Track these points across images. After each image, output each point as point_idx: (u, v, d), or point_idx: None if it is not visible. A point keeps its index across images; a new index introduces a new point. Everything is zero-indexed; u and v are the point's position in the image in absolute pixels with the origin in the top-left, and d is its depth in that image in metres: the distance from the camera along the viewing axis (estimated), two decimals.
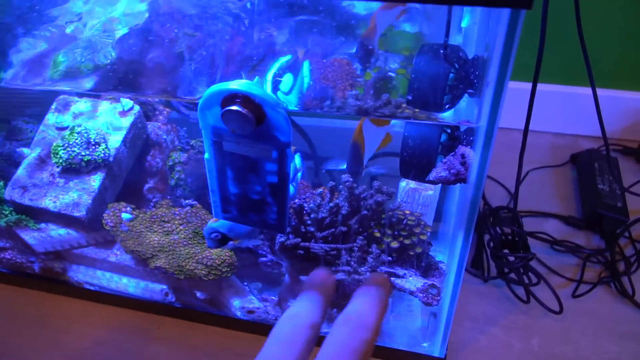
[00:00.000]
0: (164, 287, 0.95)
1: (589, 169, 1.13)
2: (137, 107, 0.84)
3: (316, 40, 0.69)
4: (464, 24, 0.69)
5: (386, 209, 0.79)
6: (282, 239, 0.77)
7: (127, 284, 0.96)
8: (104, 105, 0.84)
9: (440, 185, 0.86)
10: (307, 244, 0.75)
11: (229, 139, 0.59)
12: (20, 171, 0.85)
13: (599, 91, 1.18)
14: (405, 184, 0.85)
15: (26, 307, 1.05)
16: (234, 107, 0.53)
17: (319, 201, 0.77)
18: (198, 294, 0.98)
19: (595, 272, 1.00)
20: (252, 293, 0.95)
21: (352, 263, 0.78)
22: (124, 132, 0.82)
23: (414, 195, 0.85)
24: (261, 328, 0.95)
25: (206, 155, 0.62)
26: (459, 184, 0.61)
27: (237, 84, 0.53)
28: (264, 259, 0.91)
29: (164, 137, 0.88)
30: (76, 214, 0.82)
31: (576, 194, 1.16)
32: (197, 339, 0.96)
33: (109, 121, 0.82)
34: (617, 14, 1.12)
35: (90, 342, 0.98)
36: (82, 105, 0.85)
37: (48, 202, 0.83)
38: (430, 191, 0.84)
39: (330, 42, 0.69)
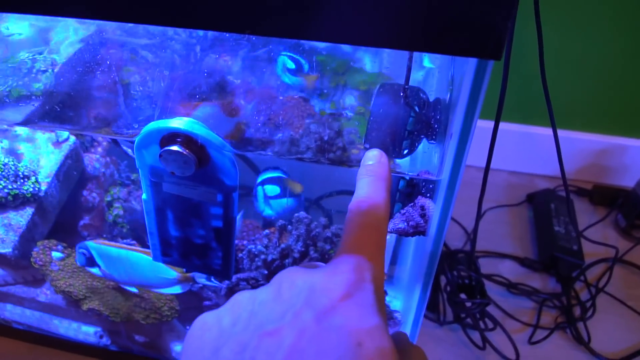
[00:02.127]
0: (98, 329, 0.87)
1: (545, 210, 1.12)
2: (72, 138, 0.77)
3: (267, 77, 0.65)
4: (425, 63, 0.66)
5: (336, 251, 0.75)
6: (227, 284, 0.72)
7: (58, 325, 0.88)
8: (37, 135, 0.77)
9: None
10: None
11: (169, 179, 0.54)
12: None
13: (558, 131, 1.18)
14: None
15: None
16: (174, 147, 0.48)
17: (265, 242, 0.72)
18: (136, 337, 0.91)
19: (552, 317, 0.98)
20: None
21: None
22: (57, 165, 0.75)
23: None
24: None
25: (144, 196, 0.57)
26: None
27: (178, 122, 0.49)
28: (208, 302, 0.86)
29: (102, 170, 0.81)
30: (1, 250, 0.74)
31: (532, 234, 1.15)
32: None
33: (40, 152, 0.75)
34: (575, 54, 1.13)
35: None
36: (11, 134, 0.78)
37: None
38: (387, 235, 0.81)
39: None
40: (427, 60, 0.65)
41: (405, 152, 0.54)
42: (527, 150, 1.26)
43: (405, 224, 0.51)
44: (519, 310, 0.99)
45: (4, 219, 0.75)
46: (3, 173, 0.69)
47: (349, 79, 0.64)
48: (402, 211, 0.52)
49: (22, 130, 0.76)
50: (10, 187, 0.70)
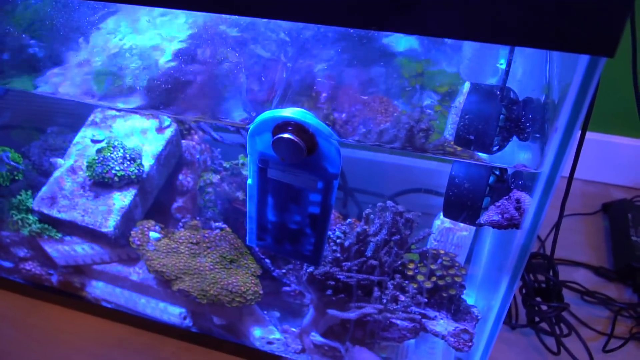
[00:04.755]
0: (183, 310, 0.92)
1: (622, 220, 1.10)
2: (174, 125, 0.83)
3: (355, 74, 0.68)
4: (502, 65, 0.68)
5: (417, 243, 0.77)
6: (311, 269, 0.75)
7: (146, 305, 0.94)
8: (142, 121, 0.83)
9: (473, 229, 0.84)
10: (338, 274, 0.73)
11: (275, 166, 0.58)
12: (51, 182, 0.84)
13: (632, 141, 1.16)
14: (440, 223, 0.83)
15: (39, 321, 1.02)
16: (286, 135, 0.52)
17: (346, 229, 0.75)
18: (216, 320, 0.95)
19: (627, 327, 0.97)
20: (272, 323, 0.93)
21: (384, 299, 0.76)
22: (159, 149, 0.81)
23: (447, 234, 0.83)
24: None
25: (249, 181, 0.61)
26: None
27: (291, 112, 0.52)
28: (287, 288, 0.89)
29: (198, 156, 0.86)
30: (103, 229, 0.80)
31: (607, 244, 1.13)
32: None
33: (144, 137, 0.81)
34: None
35: None
36: (119, 119, 0.84)
37: (76, 215, 0.81)
38: (465, 232, 0.82)
39: (368, 76, 0.68)
40: (504, 62, 0.67)
41: (496, 148, 0.56)
42: (603, 159, 1.24)
43: (500, 216, 0.53)
44: (593, 318, 0.98)
45: (107, 199, 0.81)
46: (112, 155, 0.75)
47: (427, 80, 0.67)
48: (497, 204, 0.53)
49: (130, 117, 0.82)
50: (117, 168, 0.76)
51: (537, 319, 0.90)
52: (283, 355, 0.91)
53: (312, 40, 0.67)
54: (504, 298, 0.62)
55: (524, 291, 0.88)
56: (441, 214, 0.85)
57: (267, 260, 0.86)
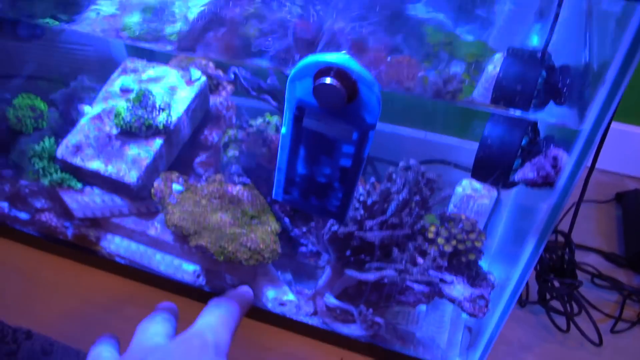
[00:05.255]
0: (197, 268, 0.93)
1: (635, 208, 1.11)
2: (203, 78, 0.83)
3: (382, 38, 0.69)
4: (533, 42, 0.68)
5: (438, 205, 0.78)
6: (335, 228, 0.76)
7: (160, 262, 0.94)
8: (172, 72, 0.83)
9: (495, 196, 0.85)
10: (362, 233, 0.74)
11: (311, 115, 0.58)
12: (77, 130, 0.84)
13: None
14: (461, 190, 0.83)
15: (52, 274, 1.03)
16: (328, 80, 0.52)
17: (369, 189, 0.76)
18: (230, 280, 0.96)
19: (634, 312, 0.98)
20: (286, 284, 0.93)
21: (403, 262, 0.76)
22: (188, 102, 0.81)
23: (467, 202, 0.83)
24: (290, 323, 0.92)
25: (283, 130, 0.61)
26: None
27: (334, 57, 0.52)
28: (303, 249, 0.90)
29: (224, 112, 0.86)
30: (127, 180, 0.81)
31: (619, 232, 1.14)
32: None
33: (174, 88, 0.81)
34: None
35: (113, 316, 0.96)
36: (149, 69, 0.84)
37: (99, 165, 0.82)
38: (486, 200, 0.83)
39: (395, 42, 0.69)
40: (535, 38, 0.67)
41: (531, 109, 0.57)
42: (618, 149, 1.25)
43: (535, 173, 0.53)
44: (602, 301, 0.99)
45: (133, 149, 0.81)
46: (142, 104, 0.76)
47: (455, 50, 0.68)
48: (533, 161, 0.54)
49: (159, 68, 0.83)
50: (146, 117, 0.76)
51: (548, 296, 0.90)
52: (294, 317, 0.92)
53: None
54: (528, 262, 0.63)
55: (538, 267, 0.89)
56: (463, 180, 0.86)
57: (286, 219, 0.87)
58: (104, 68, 0.90)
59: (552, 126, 0.66)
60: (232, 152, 0.84)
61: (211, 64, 0.87)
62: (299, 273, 0.96)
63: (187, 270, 0.93)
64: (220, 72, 0.88)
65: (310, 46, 0.70)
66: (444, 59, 0.68)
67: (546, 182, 0.53)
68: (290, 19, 0.67)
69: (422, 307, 0.92)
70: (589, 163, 0.66)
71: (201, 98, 0.83)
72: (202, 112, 0.86)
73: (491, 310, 0.75)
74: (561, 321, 0.94)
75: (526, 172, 0.54)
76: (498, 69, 0.64)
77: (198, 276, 0.94)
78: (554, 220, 0.56)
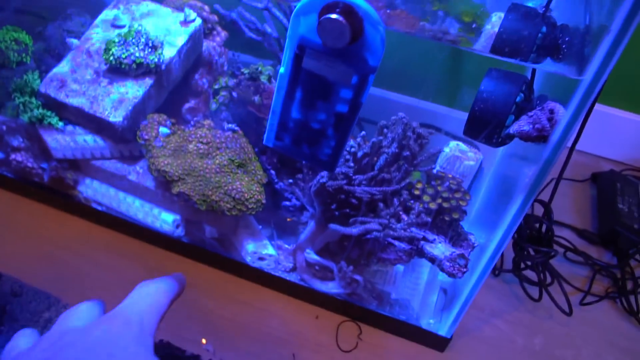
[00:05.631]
0: (177, 217, 0.92)
1: (610, 188, 1.14)
2: (199, 20, 0.81)
3: None
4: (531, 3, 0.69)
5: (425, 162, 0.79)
6: (323, 180, 0.75)
7: (139, 209, 0.93)
8: (166, 11, 0.81)
9: (481, 158, 0.86)
10: (351, 187, 0.74)
11: (311, 54, 0.57)
12: (63, 64, 0.81)
13: (626, 114, 1.19)
14: (449, 151, 0.84)
15: (24, 217, 1.01)
16: (334, 16, 0.51)
17: (359, 141, 0.76)
18: (209, 232, 0.95)
19: (603, 287, 1.01)
20: (267, 237, 0.93)
21: (387, 217, 0.76)
22: (181, 43, 0.79)
23: (454, 162, 0.84)
24: (268, 279, 0.92)
25: (281, 70, 0.60)
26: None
27: None
28: (287, 203, 0.89)
29: (216, 58, 0.85)
30: (112, 119, 0.78)
31: (593, 210, 1.16)
32: (200, 280, 0.94)
33: (168, 28, 0.78)
34: None
35: (86, 262, 0.95)
36: (143, 6, 0.81)
37: (84, 102, 0.79)
38: (472, 162, 0.84)
39: None
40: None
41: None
42: (596, 131, 1.27)
43: (531, 126, 0.54)
44: (573, 276, 1.01)
45: (121, 87, 0.79)
46: (134, 40, 0.73)
47: (450, 8, 0.69)
48: (530, 114, 0.54)
49: (153, 5, 0.80)
50: (137, 54, 0.74)
51: (522, 266, 0.92)
52: (272, 272, 0.91)
53: None
54: (512, 220, 0.64)
55: (515, 236, 0.90)
56: (451, 142, 0.87)
57: (272, 172, 0.86)
58: (91, 7, 0.87)
59: (546, 82, 0.67)
60: (222, 99, 0.83)
61: (207, 7, 0.85)
62: (281, 228, 0.96)
63: (167, 220, 0.91)
64: (215, 17, 0.86)
65: None
66: (440, 17, 0.69)
67: (540, 136, 0.53)
68: None
69: (400, 268, 0.93)
70: (569, 143, 0.67)
71: (194, 41, 0.81)
72: (194, 56, 0.84)
73: (468, 273, 0.76)
74: (533, 291, 0.96)
75: (522, 124, 0.54)
76: (496, 29, 0.65)
77: (177, 226, 0.93)
78: (544, 178, 0.57)
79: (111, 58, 0.75)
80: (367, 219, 0.76)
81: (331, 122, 0.63)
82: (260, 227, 0.93)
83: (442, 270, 0.76)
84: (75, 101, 0.79)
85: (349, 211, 0.78)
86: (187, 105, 0.86)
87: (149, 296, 0.47)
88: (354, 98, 0.59)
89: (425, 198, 0.76)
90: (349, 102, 0.60)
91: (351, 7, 0.52)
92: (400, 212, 0.77)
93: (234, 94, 0.85)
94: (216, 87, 0.83)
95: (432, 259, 0.76)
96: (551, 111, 0.52)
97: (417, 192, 0.77)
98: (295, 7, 0.54)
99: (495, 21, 0.68)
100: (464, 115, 1.04)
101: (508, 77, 0.64)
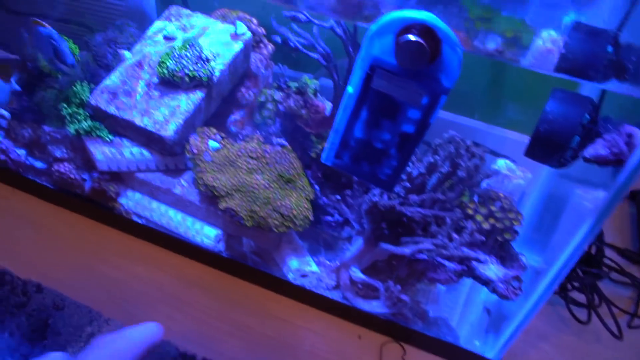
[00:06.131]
0: (219, 232, 0.91)
1: None
2: (249, 34, 0.80)
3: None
4: (567, 20, 0.69)
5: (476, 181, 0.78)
6: (376, 199, 0.74)
7: (180, 223, 0.92)
8: (216, 24, 0.80)
9: (530, 177, 0.85)
10: (405, 207, 0.73)
11: (382, 75, 0.57)
12: (114, 75, 0.81)
13: None
14: (497, 169, 0.83)
15: (64, 228, 1.00)
16: (414, 38, 0.50)
17: (414, 159, 0.75)
18: (253, 246, 0.94)
19: None
20: (309, 254, 0.92)
21: (439, 237, 0.75)
22: (231, 56, 0.78)
23: (502, 181, 0.83)
24: (309, 296, 0.91)
25: (349, 89, 0.59)
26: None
27: (421, 14, 0.51)
28: (329, 217, 0.88)
29: (262, 71, 0.84)
30: (163, 133, 0.78)
31: (633, 228, 1.15)
32: (239, 295, 0.93)
33: (218, 41, 0.78)
34: None
35: (126, 275, 0.94)
36: (195, 19, 0.81)
37: (135, 115, 0.79)
38: (521, 180, 0.82)
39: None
40: (571, 16, 0.68)
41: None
42: None
43: (608, 150, 0.53)
44: (616, 297, 1.00)
45: (172, 100, 0.78)
46: (187, 53, 0.73)
47: (494, 25, 0.68)
48: (607, 137, 0.53)
49: (204, 18, 0.80)
50: (190, 67, 0.73)
51: (569, 287, 0.91)
52: (314, 290, 0.90)
53: None
54: (578, 245, 0.62)
55: None
56: (499, 160, 0.86)
57: (316, 187, 0.85)
58: (139, 18, 0.87)
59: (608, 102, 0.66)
60: (267, 112, 0.82)
61: (255, 20, 0.85)
62: (320, 243, 0.95)
63: (209, 234, 0.91)
64: (263, 30, 0.85)
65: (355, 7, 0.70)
66: (482, 32, 0.69)
67: (617, 160, 0.52)
68: None
69: (441, 287, 0.92)
70: None
71: (244, 54, 0.81)
72: (242, 69, 0.83)
73: (522, 296, 0.75)
74: (579, 313, 0.94)
75: (597, 148, 0.53)
76: (548, 44, 0.64)
77: (219, 241, 0.92)
78: (616, 203, 0.56)
79: (165, 71, 0.75)
80: (420, 239, 0.74)
81: (395, 141, 0.62)
82: (302, 242, 0.92)
83: (496, 292, 0.75)
84: (126, 114, 0.79)
85: (400, 230, 0.77)
86: (232, 117, 0.85)
87: (116, 350, 0.49)
88: (422, 118, 0.59)
89: (478, 217, 0.75)
90: (417, 123, 0.59)
91: (430, 28, 0.51)
92: (452, 232, 0.76)
93: (281, 107, 0.85)
94: (262, 99, 0.82)
95: (486, 281, 0.75)
96: (629, 135, 0.50)
97: (469, 212, 0.76)
98: (368, 27, 0.54)
99: (546, 37, 0.67)
100: (503, 132, 1.03)
101: (574, 98, 0.63)
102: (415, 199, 0.73)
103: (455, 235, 0.76)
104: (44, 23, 0.73)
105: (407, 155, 0.63)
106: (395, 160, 0.64)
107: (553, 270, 0.68)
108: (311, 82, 0.86)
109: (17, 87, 0.84)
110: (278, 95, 0.85)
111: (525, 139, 0.93)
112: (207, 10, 0.86)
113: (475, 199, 0.78)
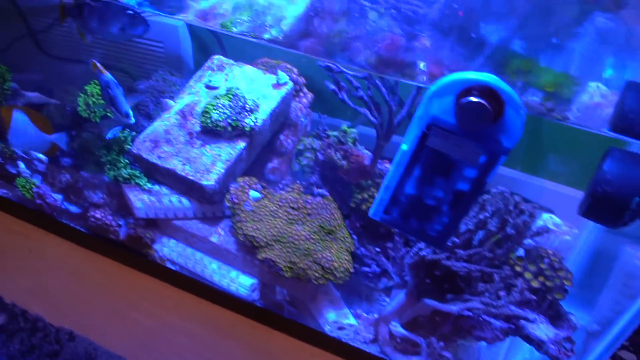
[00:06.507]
0: (255, 282, 0.89)
1: None
2: (290, 83, 0.80)
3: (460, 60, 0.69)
4: (606, 74, 0.68)
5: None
6: (423, 253, 0.73)
7: (215, 271, 0.91)
8: (259, 74, 0.80)
9: (577, 233, 0.83)
10: (452, 262, 0.71)
11: (438, 133, 0.56)
12: (157, 124, 0.81)
13: None
14: (543, 224, 0.81)
15: (97, 273, 0.99)
16: (477, 100, 0.50)
17: None
18: (288, 296, 0.92)
19: None
20: (347, 305, 0.90)
21: (486, 295, 0.73)
22: (273, 105, 0.78)
23: (548, 236, 0.81)
24: (345, 350, 0.89)
25: (404, 146, 0.58)
26: None
27: (484, 76, 0.50)
28: (366, 268, 0.87)
29: (302, 119, 0.84)
30: (204, 182, 0.77)
31: None
32: (274, 347, 0.90)
33: (261, 90, 0.78)
34: None
35: (158, 324, 0.92)
36: (237, 69, 0.81)
37: (176, 164, 0.78)
38: (568, 236, 0.80)
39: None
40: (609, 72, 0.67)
41: None
42: None
43: None
44: None
45: (214, 149, 0.77)
46: (231, 103, 0.73)
47: (534, 78, 0.67)
48: None
49: (246, 68, 0.80)
50: (234, 117, 0.73)
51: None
52: (351, 343, 0.88)
53: None
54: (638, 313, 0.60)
55: None
56: (544, 214, 0.84)
57: (354, 237, 0.84)
58: (173, 66, 0.88)
59: None
60: (306, 160, 0.82)
61: (295, 70, 0.85)
62: (356, 294, 0.93)
63: (244, 283, 0.89)
64: (303, 79, 0.86)
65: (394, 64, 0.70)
66: (519, 86, 0.68)
67: None
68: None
69: (482, 343, 0.89)
70: None
71: (285, 103, 0.81)
72: (282, 117, 0.83)
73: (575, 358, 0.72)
74: None
75: None
76: (596, 98, 0.64)
77: (253, 290, 0.90)
78: None
79: (208, 121, 0.75)
80: (468, 296, 0.73)
81: (448, 199, 0.61)
82: (339, 293, 0.90)
83: (547, 353, 0.72)
84: (167, 163, 0.79)
85: (446, 286, 0.75)
86: (270, 165, 0.84)
87: None
88: (478, 177, 0.57)
89: (527, 275, 0.73)
90: (472, 181, 0.58)
91: (494, 90, 0.50)
92: (499, 290, 0.74)
93: (320, 155, 0.84)
94: (300, 147, 0.82)
95: (536, 342, 0.72)
96: None
97: (518, 269, 0.74)
98: (427, 87, 0.53)
99: (593, 91, 0.66)
100: (543, 182, 1.01)
101: (633, 158, 0.62)
102: (462, 254, 0.72)
103: (501, 293, 0.74)
104: (102, 68, 0.73)
105: (461, 213, 0.62)
106: (446, 217, 0.63)
107: (610, 335, 0.66)
108: (350, 131, 0.86)
109: (64, 146, 0.84)
110: (317, 144, 0.85)
111: (564, 190, 0.92)
112: (248, 60, 0.87)
113: (522, 254, 0.76)
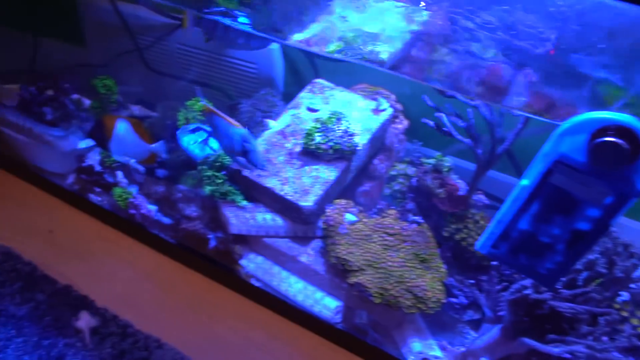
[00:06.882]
0: (340, 304, 0.89)
1: None
2: (390, 110, 0.81)
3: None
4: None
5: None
6: (528, 292, 0.71)
7: (300, 291, 0.91)
8: (358, 99, 0.81)
9: None
10: (558, 303, 0.69)
11: (564, 171, 0.54)
12: (259, 143, 0.82)
13: None
14: None
15: (183, 285, 1.01)
16: (614, 140, 0.48)
17: None
18: (372, 321, 0.91)
19: None
20: (432, 336, 0.88)
21: (589, 338, 0.70)
22: (373, 130, 0.78)
23: None
24: None
25: (525, 182, 0.57)
26: None
27: (620, 116, 0.49)
28: (453, 299, 0.85)
29: (396, 145, 0.84)
30: (302, 203, 0.78)
31: None
32: None
33: (360, 115, 0.79)
34: None
35: (242, 340, 0.93)
36: (337, 93, 0.82)
37: (275, 183, 0.80)
38: None
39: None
40: None
41: None
42: None
43: None
44: None
45: (313, 171, 0.78)
46: (334, 126, 0.73)
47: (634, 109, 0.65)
48: None
49: (346, 93, 0.81)
50: (336, 141, 0.74)
51: None
52: None
53: None
54: None
55: None
56: None
57: (445, 266, 0.83)
58: (264, 85, 0.89)
59: None
60: (398, 186, 0.81)
61: (393, 96, 0.85)
62: (440, 325, 0.91)
63: (329, 305, 0.89)
64: (400, 105, 0.86)
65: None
66: None
67: None
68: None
69: None
70: None
71: (384, 128, 0.81)
72: (379, 142, 0.83)
73: None
74: None
75: None
76: None
77: (337, 313, 0.90)
78: None
79: (311, 143, 0.76)
80: (570, 339, 0.70)
81: (565, 238, 0.59)
82: (424, 323, 0.88)
83: None
84: (266, 181, 0.80)
85: (548, 326, 0.72)
86: (361, 189, 0.85)
87: None
88: (602, 218, 0.56)
89: (634, 322, 0.70)
90: (595, 221, 0.56)
91: (632, 131, 0.49)
92: (601, 335, 0.71)
93: (414, 182, 0.84)
94: (393, 173, 0.81)
95: None
96: None
97: (624, 313, 0.71)
98: (559, 124, 0.52)
99: None
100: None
101: None
102: (566, 294, 0.69)
103: (605, 339, 0.71)
104: (236, 122, 0.71)
105: (579, 253, 0.60)
106: (561, 256, 0.61)
107: None
108: (445, 161, 0.85)
109: (164, 154, 0.86)
110: (411, 170, 0.84)
111: None
112: (346, 85, 0.88)
113: (627, 298, 0.73)
